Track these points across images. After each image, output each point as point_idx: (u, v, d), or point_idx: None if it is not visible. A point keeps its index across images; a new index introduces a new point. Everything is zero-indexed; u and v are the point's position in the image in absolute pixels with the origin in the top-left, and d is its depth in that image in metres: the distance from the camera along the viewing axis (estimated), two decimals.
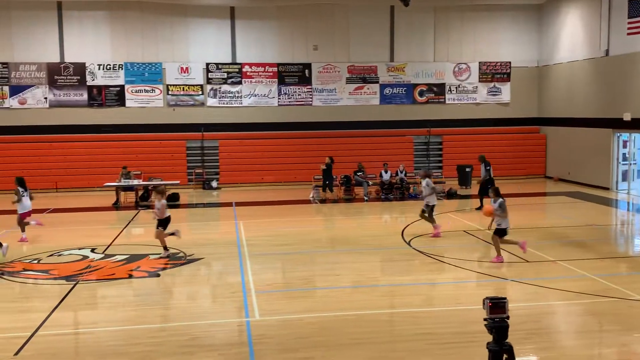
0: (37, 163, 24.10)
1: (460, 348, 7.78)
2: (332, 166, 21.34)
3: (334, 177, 21.84)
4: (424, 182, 14.81)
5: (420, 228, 15.25)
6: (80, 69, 24.95)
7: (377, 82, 26.86)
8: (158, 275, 11.47)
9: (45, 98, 24.88)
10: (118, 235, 15.49)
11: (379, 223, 18.35)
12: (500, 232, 12.02)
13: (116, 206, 20.67)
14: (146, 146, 25.22)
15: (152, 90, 25.58)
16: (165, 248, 12.88)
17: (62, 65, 24.84)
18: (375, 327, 8.61)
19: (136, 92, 25.48)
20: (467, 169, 24.33)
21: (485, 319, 5.07)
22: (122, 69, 25.31)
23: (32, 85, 24.74)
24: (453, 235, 14.94)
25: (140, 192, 21.50)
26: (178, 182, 22.78)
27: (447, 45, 27.06)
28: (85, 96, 25.11)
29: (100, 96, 25.23)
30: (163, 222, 12.99)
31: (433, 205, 14.67)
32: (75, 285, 10.74)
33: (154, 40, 25.36)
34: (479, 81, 27.36)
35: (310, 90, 26.47)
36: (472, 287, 10.94)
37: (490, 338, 5.07)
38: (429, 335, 8.22)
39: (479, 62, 27.18)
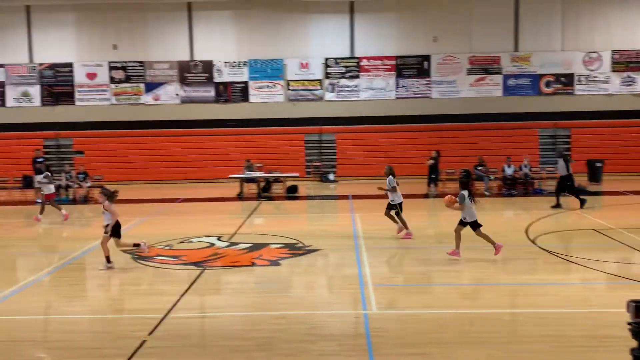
0: (168, 155, 25.72)
1: (590, 353, 7.37)
2: (439, 160, 20.98)
3: (440, 171, 21.52)
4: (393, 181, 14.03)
5: (547, 226, 14.57)
6: (208, 66, 26.26)
7: (500, 73, 25.96)
8: (279, 265, 11.85)
9: (177, 94, 26.44)
10: (242, 224, 16.16)
11: (501, 219, 17.75)
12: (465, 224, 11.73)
13: (240, 197, 21.57)
14: (267, 140, 26.09)
15: (274, 85, 26.38)
16: (108, 260, 11.60)
17: (191, 63, 26.27)
18: (497, 327, 8.35)
19: (259, 88, 26.41)
20: (598, 164, 22.93)
21: (629, 323, 4.76)
22: (246, 66, 26.33)
23: (165, 83, 26.39)
24: (582, 234, 14.14)
25: (261, 184, 22.28)
26: (297, 174, 23.34)
27: (576, 32, 25.61)
28: (212, 92, 26.40)
29: (226, 92, 26.40)
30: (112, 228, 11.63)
31: (399, 203, 13.92)
32: (203, 271, 11.36)
33: (275, 37, 26.13)
34: (612, 71, 25.62)
35: (429, 82, 26.09)
36: (603, 289, 10.31)
37: (634, 343, 4.75)
38: (555, 337, 7.85)
39: (612, 51, 25.42)
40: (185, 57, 26.35)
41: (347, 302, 9.62)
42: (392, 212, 14.09)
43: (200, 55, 26.34)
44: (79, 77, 26.40)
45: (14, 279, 11.59)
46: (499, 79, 25.98)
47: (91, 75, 26.40)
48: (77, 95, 26.48)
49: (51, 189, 17.62)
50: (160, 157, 25.61)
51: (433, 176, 21.08)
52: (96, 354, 7.50)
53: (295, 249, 13.02)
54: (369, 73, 26.19)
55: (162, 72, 26.44)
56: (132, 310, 9.14)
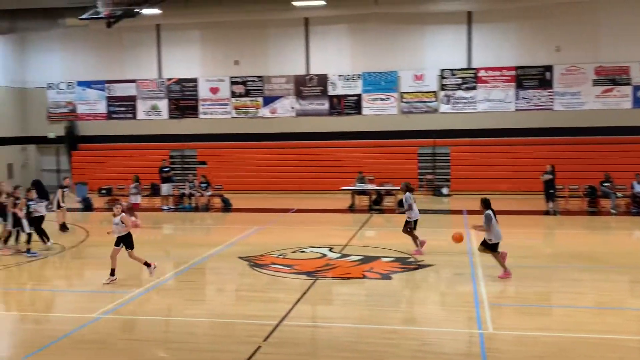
0: (283, 167, 26.39)
1: None
2: (555, 175, 19.92)
3: (559, 186, 20.39)
4: (404, 197, 13.93)
5: None
6: (322, 80, 26.76)
7: (629, 84, 24.33)
8: (390, 278, 11.78)
9: (292, 107, 27.15)
10: (353, 236, 16.24)
11: (629, 239, 16.57)
12: (490, 247, 11.49)
13: (351, 209, 21.70)
14: (380, 152, 26.08)
15: (387, 98, 26.37)
16: (112, 273, 11.66)
17: (307, 77, 26.90)
18: (623, 354, 7.79)
19: (372, 100, 26.51)
20: None
21: None
22: (360, 79, 26.55)
23: (282, 96, 27.19)
24: None
25: (373, 197, 22.29)
26: None
27: None
28: (326, 105, 26.86)
29: (340, 105, 26.75)
30: (124, 240, 11.83)
31: (415, 221, 13.78)
32: (315, 281, 11.53)
33: (390, 50, 26.15)
34: None
35: (551, 94, 24.98)
36: None
37: None
38: None
39: None
40: (302, 71, 27.02)
41: (461, 320, 9.37)
42: (409, 229, 13.87)
43: (316, 69, 26.90)
44: (203, 91, 27.85)
45: (140, 281, 12.36)
46: (627, 90, 24.35)
47: (214, 90, 27.76)
48: (200, 109, 27.93)
49: (138, 199, 18.68)
50: (275, 168, 26.38)
51: (551, 191, 20.07)
52: (215, 357, 7.83)
53: (407, 264, 12.89)
54: (487, 84, 25.50)
55: (279, 86, 27.28)
56: (248, 316, 9.45)
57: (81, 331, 8.94)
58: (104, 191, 25.75)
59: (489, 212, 11.71)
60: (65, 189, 17.48)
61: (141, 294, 10.94)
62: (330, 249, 14.34)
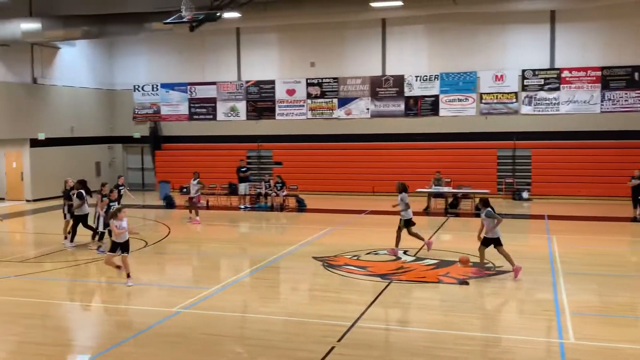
0: (358, 168, 26.40)
1: None
2: None
3: None
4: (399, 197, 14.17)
5: None
6: (399, 81, 26.58)
7: None
8: (467, 284, 11.55)
9: (367, 109, 27.11)
10: (428, 239, 15.99)
11: None
12: (488, 242, 11.90)
13: (426, 211, 21.42)
14: (457, 154, 25.61)
15: (466, 99, 25.88)
16: (128, 275, 11.73)
17: (383, 78, 26.79)
18: None
19: (450, 101, 26.08)
20: None
21: None
22: (437, 79, 26.17)
23: (357, 98, 27.21)
24: None
25: (449, 200, 21.92)
26: (488, 191, 22.52)
27: None
28: (402, 106, 26.65)
29: (416, 106, 26.47)
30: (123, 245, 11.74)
31: (408, 219, 13.83)
32: (389, 284, 11.47)
33: (469, 50, 25.65)
34: None
35: (639, 95, 23.74)
36: None
37: None
38: None
39: None
40: (377, 72, 26.94)
41: (541, 329, 9.07)
42: (413, 229, 13.97)
43: (392, 70, 26.74)
44: (280, 93, 28.28)
45: (218, 278, 12.72)
46: None
47: (290, 92, 28.14)
48: (277, 110, 28.38)
49: (197, 193, 20.16)
50: (350, 170, 26.42)
51: (639, 197, 19.06)
52: (289, 355, 7.93)
53: (485, 269, 12.59)
54: (571, 85, 24.54)
55: (354, 88, 27.31)
56: (321, 316, 9.51)
57: (162, 324, 9.29)
58: (184, 190, 26.57)
59: (490, 209, 12.13)
60: (121, 187, 18.18)
61: (219, 291, 11.24)
62: (405, 252, 14.22)
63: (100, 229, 14.82)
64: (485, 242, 12.16)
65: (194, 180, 20.19)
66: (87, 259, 14.08)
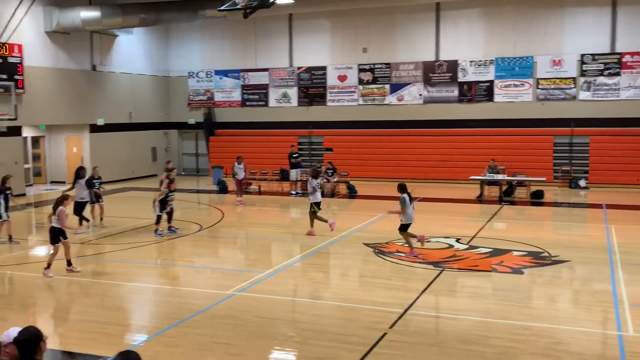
0: (410, 155, 26.18)
1: None
2: None
3: None
4: (314, 182, 15.04)
5: None
6: (452, 66, 26.15)
7: None
8: (521, 273, 11.35)
9: (420, 95, 26.80)
10: (481, 228, 15.81)
11: None
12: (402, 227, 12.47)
13: (480, 199, 21.11)
14: (512, 141, 25.09)
15: (522, 84, 25.26)
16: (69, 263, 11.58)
17: (436, 63, 26.40)
18: None
19: (505, 87, 25.51)
20: None
21: None
22: (492, 64, 25.63)
23: (409, 83, 26.92)
24: None
25: (504, 187, 21.52)
26: (543, 179, 22.01)
27: None
28: (455, 92, 26.23)
29: (470, 92, 26.01)
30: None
31: (317, 203, 14.81)
32: (441, 272, 11.39)
33: (526, 34, 25.00)
34: None
35: None
36: None
37: None
38: None
39: None
40: (431, 57, 26.56)
41: (598, 321, 8.86)
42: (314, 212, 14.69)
43: (446, 55, 26.32)
44: (331, 79, 28.24)
45: (270, 262, 12.90)
46: None
47: (342, 78, 28.06)
48: (328, 96, 28.37)
49: (241, 175, 21.14)
50: (401, 156, 26.22)
51: None
52: (341, 339, 8.00)
53: (540, 258, 12.34)
54: (632, 70, 23.60)
55: (407, 73, 27.01)
56: (373, 302, 9.54)
57: (217, 306, 9.51)
58: (235, 175, 26.97)
59: (405, 195, 12.45)
60: (169, 171, 18.48)
61: (271, 275, 11.40)
62: (458, 240, 14.07)
63: (157, 212, 15.19)
64: (402, 227, 12.63)
65: (239, 164, 21.12)
66: (145, 242, 14.50)
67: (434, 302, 9.85)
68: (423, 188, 23.78)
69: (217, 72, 30.17)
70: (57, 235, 11.45)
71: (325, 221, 14.74)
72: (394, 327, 8.40)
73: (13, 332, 4.66)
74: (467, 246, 13.52)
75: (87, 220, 16.15)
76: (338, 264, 12.79)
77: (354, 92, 27.87)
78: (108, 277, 11.45)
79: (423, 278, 10.99)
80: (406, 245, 12.85)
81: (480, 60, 25.77)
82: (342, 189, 23.22)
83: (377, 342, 7.81)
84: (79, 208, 15.81)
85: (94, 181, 16.52)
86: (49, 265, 11.36)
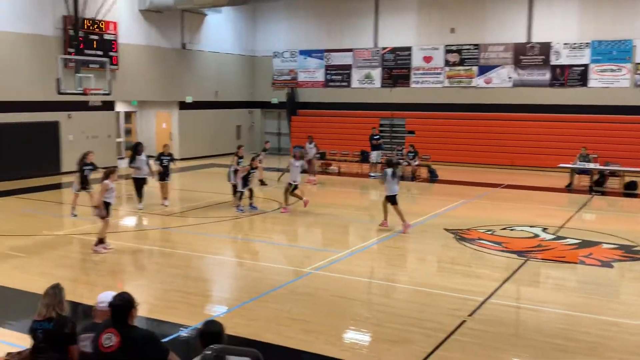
0: (496, 140, 25.40)
1: None
2: None
3: None
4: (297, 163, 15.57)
5: None
6: (545, 48, 25.03)
7: None
8: (611, 266, 10.78)
9: (510, 77, 25.85)
10: (570, 218, 15.13)
11: None
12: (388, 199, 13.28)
13: (569, 188, 20.21)
14: (606, 128, 23.81)
15: (619, 69, 23.87)
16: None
17: (527, 45, 25.35)
18: None
19: (601, 71, 24.17)
20: None
21: None
22: (588, 47, 24.34)
23: (498, 65, 26.01)
24: None
25: (595, 177, 20.47)
26: (639, 169, 20.74)
27: None
28: (547, 76, 25.13)
29: (563, 76, 24.84)
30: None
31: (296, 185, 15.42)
32: (525, 261, 10.99)
33: (625, 16, 23.55)
34: None
35: None
36: None
37: None
38: None
39: None
40: (522, 39, 25.51)
41: None
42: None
43: (538, 37, 25.19)
44: (416, 60, 27.72)
45: (347, 243, 12.89)
46: None
47: (427, 59, 27.48)
48: (412, 78, 27.89)
49: (312, 154, 21.45)
50: (487, 141, 25.46)
51: None
52: (417, 324, 7.88)
53: (632, 252, 11.68)
54: None
55: (496, 55, 26.10)
56: (451, 289, 9.33)
57: (295, 283, 9.62)
58: (317, 155, 27.11)
59: (388, 169, 13.31)
60: (264, 152, 19.23)
61: (348, 255, 11.40)
62: (544, 230, 13.52)
63: (240, 189, 15.52)
64: (386, 199, 13.39)
65: (310, 143, 21.52)
66: (226, 217, 14.86)
67: (515, 292, 9.53)
68: (509, 175, 23.04)
69: (302, 52, 30.30)
70: (106, 209, 11.36)
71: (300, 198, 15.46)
72: (474, 315, 8.19)
73: (108, 295, 4.88)
74: (553, 236, 12.98)
75: (140, 198, 15.60)
76: (416, 248, 12.61)
77: (440, 73, 27.25)
78: (191, 248, 11.81)
79: (505, 267, 10.65)
80: (489, 232, 12.47)
81: (575, 43, 24.51)
82: (423, 172, 22.85)
83: (455, 329, 7.65)
84: (138, 184, 15.54)
85: (163, 158, 16.21)
86: (100, 241, 11.36)
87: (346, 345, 7.35)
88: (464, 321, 7.93)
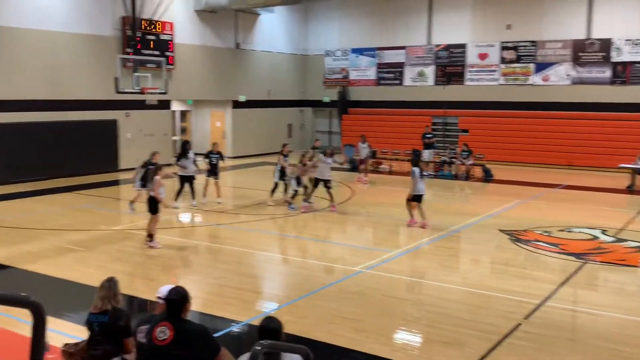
0: (553, 139, 24.67)
1: None
2: None
3: None
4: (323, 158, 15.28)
5: None
6: (605, 45, 24.18)
7: None
8: None
9: (568, 75, 25.09)
10: (631, 220, 14.56)
11: None
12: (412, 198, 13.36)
13: (630, 189, 19.46)
14: None
15: None
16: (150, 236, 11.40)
17: (587, 42, 24.55)
18: None
19: None
20: None
21: None
22: None
23: (556, 63, 25.28)
24: None
25: None
26: None
27: None
28: (607, 73, 24.28)
29: (624, 73, 23.94)
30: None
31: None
32: (584, 264, 10.63)
33: None
34: None
35: None
36: None
37: None
38: None
39: None
40: (581, 35, 24.71)
41: None
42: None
43: (598, 33, 24.35)
44: (471, 57, 27.22)
45: (398, 242, 12.77)
46: None
47: (482, 56, 26.95)
48: (467, 75, 27.40)
49: (364, 154, 21.49)
50: (544, 140, 24.76)
51: None
52: (470, 326, 7.72)
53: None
54: None
55: (553, 52, 25.36)
56: (506, 291, 9.11)
57: (345, 282, 9.58)
58: (369, 154, 26.99)
59: (415, 168, 13.35)
60: (316, 150, 18.80)
61: (400, 255, 11.29)
62: (604, 232, 13.06)
63: (294, 187, 15.63)
64: (411, 199, 13.42)
65: (363, 143, 21.38)
66: (278, 214, 14.95)
67: (573, 295, 9.23)
68: (566, 175, 22.37)
69: (354, 51, 30.20)
70: (155, 205, 11.42)
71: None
72: (529, 319, 7.97)
73: (166, 289, 4.99)
74: (613, 239, 12.51)
75: (177, 197, 15.66)
76: (470, 249, 12.39)
77: (495, 71, 26.70)
78: (242, 245, 11.93)
79: (562, 269, 10.33)
80: (545, 234, 12.12)
81: (638, 39, 23.57)
82: (477, 172, 22.43)
83: (510, 332, 7.46)
84: (184, 182, 15.54)
85: (212, 156, 16.30)
86: (150, 236, 11.51)
87: (397, 346, 7.27)
88: (519, 324, 7.73)
